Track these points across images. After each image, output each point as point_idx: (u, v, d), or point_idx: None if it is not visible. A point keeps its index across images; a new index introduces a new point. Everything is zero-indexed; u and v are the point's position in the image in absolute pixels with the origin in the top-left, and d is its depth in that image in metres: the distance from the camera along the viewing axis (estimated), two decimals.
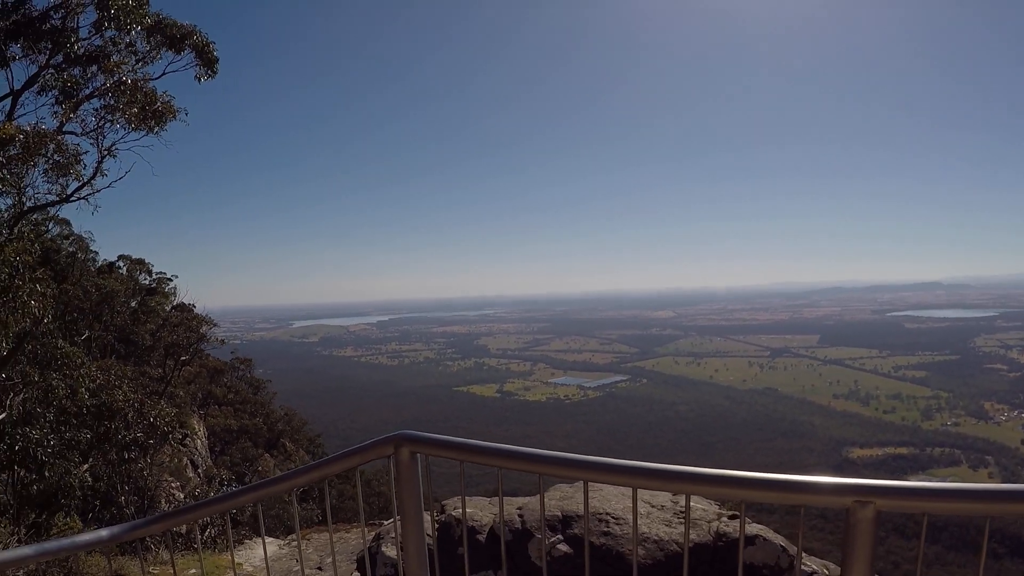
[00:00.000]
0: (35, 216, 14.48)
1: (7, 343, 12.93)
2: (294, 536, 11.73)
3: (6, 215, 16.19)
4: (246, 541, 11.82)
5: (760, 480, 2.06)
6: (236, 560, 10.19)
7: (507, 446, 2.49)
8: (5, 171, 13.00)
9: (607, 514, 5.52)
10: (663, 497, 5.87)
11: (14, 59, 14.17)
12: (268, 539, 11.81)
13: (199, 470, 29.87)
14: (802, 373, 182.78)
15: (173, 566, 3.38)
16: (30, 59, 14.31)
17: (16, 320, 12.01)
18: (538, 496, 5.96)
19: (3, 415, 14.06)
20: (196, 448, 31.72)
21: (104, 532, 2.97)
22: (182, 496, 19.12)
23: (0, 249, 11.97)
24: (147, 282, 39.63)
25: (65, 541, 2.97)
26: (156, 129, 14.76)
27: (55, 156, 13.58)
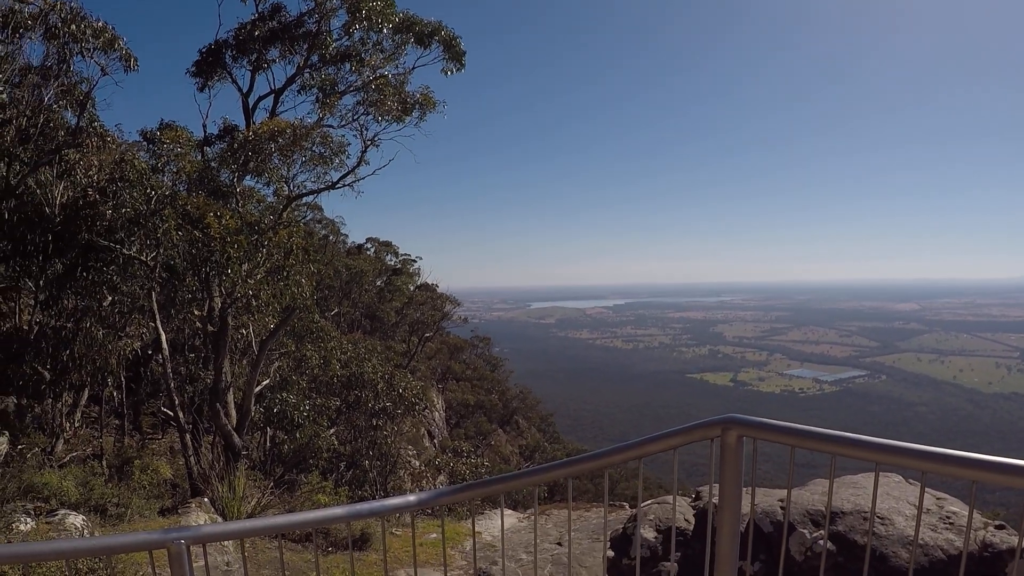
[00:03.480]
0: (293, 203, 15.95)
1: (275, 317, 14.40)
2: (532, 510, 12.06)
3: (273, 202, 17.99)
4: (485, 511, 12.20)
5: None
6: (476, 529, 10.73)
7: (842, 433, 2.42)
8: (276, 160, 14.41)
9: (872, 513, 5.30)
10: (927, 500, 5.55)
11: (273, 62, 15.69)
12: (507, 511, 12.23)
13: (435, 440, 31.61)
14: None
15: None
16: (286, 60, 15.76)
17: (289, 296, 13.34)
18: (801, 489, 5.89)
19: (267, 381, 15.70)
20: (434, 420, 33.60)
21: (412, 497, 3.12)
22: (418, 464, 20.20)
23: (275, 233, 13.35)
24: (393, 263, 42.50)
25: (376, 504, 3.11)
26: (416, 122, 15.66)
27: (317, 147, 14.76)
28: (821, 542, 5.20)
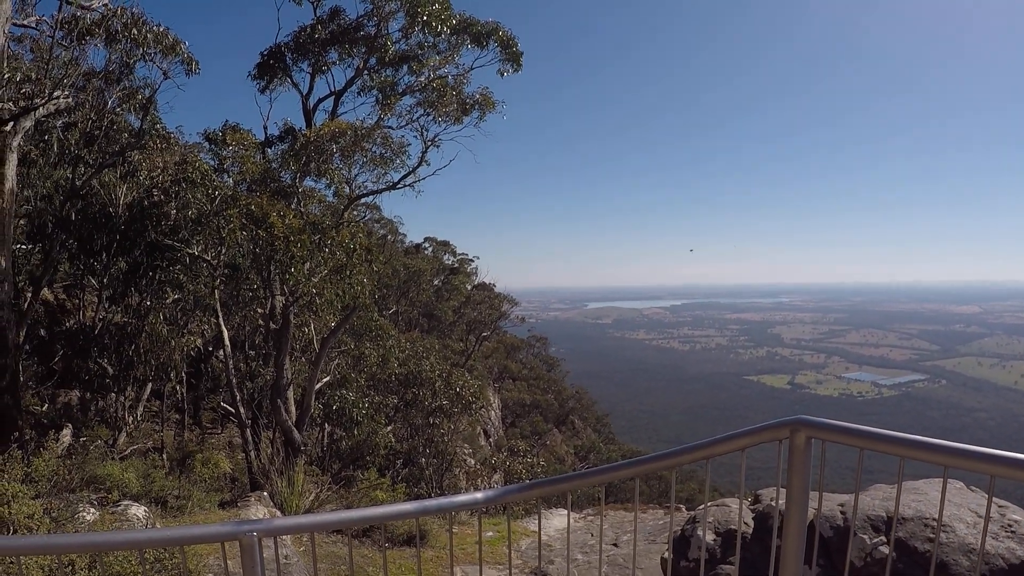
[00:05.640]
0: (354, 203, 16.19)
1: (335, 315, 14.58)
2: (589, 511, 12.04)
3: (333, 202, 18.25)
4: (541, 511, 12.20)
5: None
6: (532, 528, 10.73)
7: (912, 436, 2.42)
8: (338, 160, 14.63)
9: (933, 519, 5.21)
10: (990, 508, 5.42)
11: (333, 64, 15.96)
12: (564, 512, 12.26)
13: (490, 439, 31.69)
14: None
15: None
16: (345, 63, 16.00)
17: (350, 295, 13.50)
18: (861, 494, 5.72)
19: (327, 378, 15.91)
20: (490, 419, 33.69)
21: (479, 495, 3.19)
22: (473, 462, 20.24)
23: (337, 232, 13.52)
24: (450, 262, 42.78)
25: (444, 500, 3.15)
26: (476, 122, 15.76)
27: (377, 148, 14.94)
28: (882, 548, 5.10)
